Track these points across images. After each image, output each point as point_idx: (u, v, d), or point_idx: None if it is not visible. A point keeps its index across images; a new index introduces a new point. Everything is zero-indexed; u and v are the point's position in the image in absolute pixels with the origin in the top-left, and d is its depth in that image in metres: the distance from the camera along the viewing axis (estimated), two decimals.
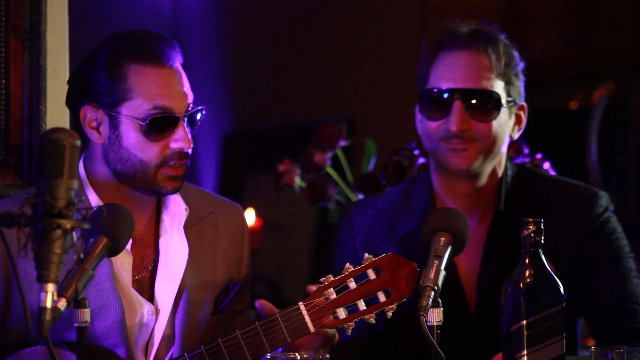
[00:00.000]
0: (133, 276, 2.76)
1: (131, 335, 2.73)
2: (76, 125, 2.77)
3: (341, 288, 2.62)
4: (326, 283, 2.62)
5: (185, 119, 2.72)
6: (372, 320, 2.63)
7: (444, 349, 2.47)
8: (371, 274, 2.63)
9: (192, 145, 2.73)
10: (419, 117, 3.13)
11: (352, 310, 2.62)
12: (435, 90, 3.06)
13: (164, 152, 2.71)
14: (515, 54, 3.13)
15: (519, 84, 3.13)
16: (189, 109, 2.73)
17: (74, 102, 2.77)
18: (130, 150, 2.70)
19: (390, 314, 2.63)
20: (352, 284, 2.63)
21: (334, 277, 2.63)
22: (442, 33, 3.09)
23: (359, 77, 6.39)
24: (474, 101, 3.04)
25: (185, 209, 2.83)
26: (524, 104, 3.16)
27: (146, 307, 2.75)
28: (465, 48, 3.06)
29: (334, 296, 2.62)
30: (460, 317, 3.09)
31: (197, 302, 2.79)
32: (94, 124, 2.74)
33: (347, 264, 2.65)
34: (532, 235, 2.57)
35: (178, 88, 2.71)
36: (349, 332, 2.63)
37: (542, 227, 2.57)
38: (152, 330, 2.76)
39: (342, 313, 2.62)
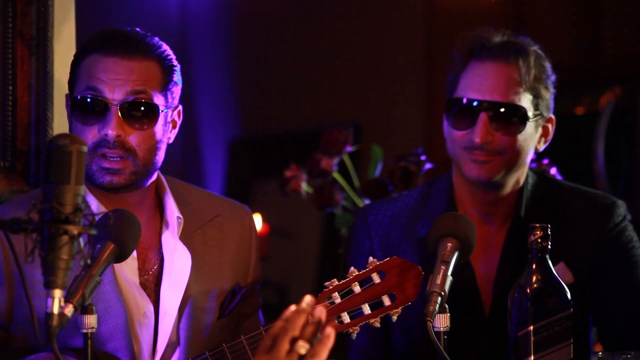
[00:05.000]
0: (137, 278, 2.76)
1: (135, 338, 2.73)
2: None
3: (346, 292, 2.62)
4: (330, 287, 2.62)
5: (120, 109, 2.68)
6: (377, 324, 2.62)
7: (458, 353, 2.47)
8: (376, 278, 2.63)
9: (115, 134, 2.68)
10: (445, 122, 3.13)
11: (357, 314, 2.62)
12: (462, 100, 3.06)
13: (94, 139, 2.70)
14: (547, 65, 3.11)
15: (549, 96, 3.11)
16: (129, 99, 2.69)
17: None
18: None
19: (395, 317, 2.63)
20: (357, 288, 2.62)
21: (339, 281, 2.63)
22: (474, 41, 3.08)
23: (366, 83, 6.38)
24: (500, 114, 3.03)
25: (179, 218, 2.81)
26: (552, 116, 3.15)
27: (147, 308, 2.75)
28: (496, 59, 3.05)
29: (338, 300, 2.61)
30: (475, 321, 3.09)
31: (202, 308, 2.79)
32: (67, 110, 2.79)
33: (352, 268, 2.64)
34: (539, 240, 2.56)
35: (121, 76, 2.69)
36: (354, 336, 2.63)
37: (549, 233, 2.57)
38: (156, 335, 2.76)
39: (347, 317, 2.62)
